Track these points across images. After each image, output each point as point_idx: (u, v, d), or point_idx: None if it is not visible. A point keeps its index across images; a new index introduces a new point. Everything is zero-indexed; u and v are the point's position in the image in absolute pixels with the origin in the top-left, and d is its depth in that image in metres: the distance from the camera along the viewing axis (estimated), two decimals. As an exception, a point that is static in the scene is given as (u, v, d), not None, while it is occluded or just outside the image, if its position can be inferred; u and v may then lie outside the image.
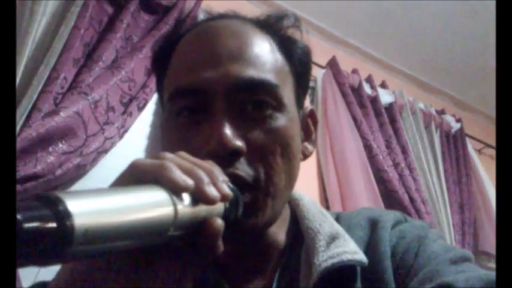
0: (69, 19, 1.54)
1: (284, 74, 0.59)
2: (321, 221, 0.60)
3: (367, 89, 2.39)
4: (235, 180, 0.49)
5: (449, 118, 2.74)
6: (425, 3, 2.40)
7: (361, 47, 2.65)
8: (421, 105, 2.62)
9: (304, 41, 0.65)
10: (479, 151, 2.94)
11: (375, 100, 2.39)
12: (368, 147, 2.19)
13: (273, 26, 0.63)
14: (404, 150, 2.35)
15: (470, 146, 2.80)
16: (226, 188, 0.41)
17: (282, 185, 0.56)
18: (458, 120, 2.79)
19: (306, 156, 0.65)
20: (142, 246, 0.35)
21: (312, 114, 0.68)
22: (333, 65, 2.31)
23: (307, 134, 0.67)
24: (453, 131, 2.73)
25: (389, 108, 2.46)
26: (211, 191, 0.39)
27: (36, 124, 1.37)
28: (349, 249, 0.54)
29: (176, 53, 0.61)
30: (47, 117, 1.40)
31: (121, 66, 1.57)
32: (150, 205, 0.34)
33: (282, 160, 0.55)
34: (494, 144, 2.89)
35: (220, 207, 0.42)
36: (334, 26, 2.52)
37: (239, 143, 0.52)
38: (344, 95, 2.25)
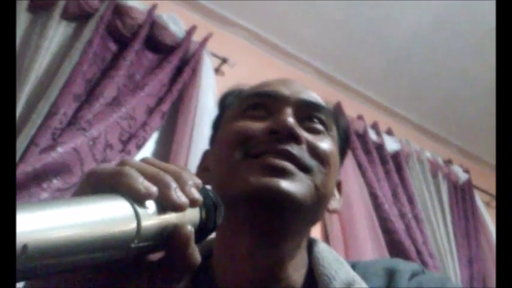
0: (72, 55, 1.54)
1: (333, 122, 0.67)
2: (337, 268, 0.60)
3: (372, 135, 2.36)
4: (286, 157, 0.56)
5: (456, 168, 2.69)
6: (433, 51, 2.41)
7: (367, 94, 2.64)
8: (428, 155, 2.58)
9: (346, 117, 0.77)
10: (487, 204, 2.86)
11: (380, 147, 2.35)
12: (373, 195, 2.13)
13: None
14: (410, 200, 2.29)
15: (478, 198, 2.73)
16: (196, 193, 0.38)
17: (327, 188, 0.60)
18: (465, 171, 2.74)
19: (328, 210, 0.67)
20: (106, 261, 0.32)
21: (339, 184, 0.72)
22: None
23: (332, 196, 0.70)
24: (461, 181, 2.67)
25: (396, 156, 2.42)
26: (178, 196, 0.36)
27: (33, 159, 1.34)
28: None
29: (250, 86, 0.70)
30: (44, 152, 1.37)
31: (122, 103, 1.55)
32: (106, 215, 0.31)
33: (332, 168, 0.61)
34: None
35: (194, 215, 0.39)
36: (340, 71, 2.52)
37: (299, 131, 0.59)
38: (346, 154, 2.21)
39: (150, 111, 1.61)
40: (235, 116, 0.65)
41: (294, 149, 0.57)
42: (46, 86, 1.49)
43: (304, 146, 0.59)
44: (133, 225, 0.32)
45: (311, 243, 0.65)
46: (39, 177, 1.33)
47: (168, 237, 0.36)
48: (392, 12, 2.25)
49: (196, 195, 0.38)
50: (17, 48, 1.50)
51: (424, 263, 2.09)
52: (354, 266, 0.64)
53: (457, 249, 2.36)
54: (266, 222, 0.56)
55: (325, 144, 0.62)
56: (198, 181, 0.40)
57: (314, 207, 0.58)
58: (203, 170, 0.68)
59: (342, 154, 0.71)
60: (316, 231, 2.03)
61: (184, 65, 1.79)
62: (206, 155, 0.71)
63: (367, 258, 1.90)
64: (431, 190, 2.44)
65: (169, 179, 0.37)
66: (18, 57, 1.49)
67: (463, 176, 2.69)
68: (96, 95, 1.53)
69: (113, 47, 1.69)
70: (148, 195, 0.34)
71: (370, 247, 1.99)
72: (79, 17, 1.66)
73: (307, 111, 0.64)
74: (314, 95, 0.67)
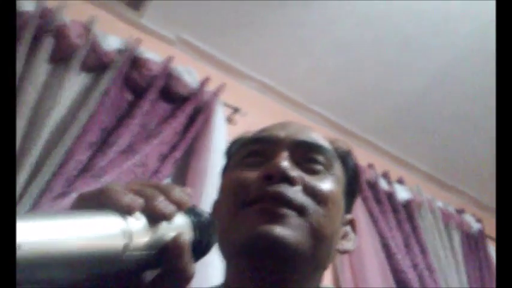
0: (89, 104, 1.59)
1: (337, 161, 0.67)
2: None
3: (383, 184, 2.36)
4: (280, 201, 0.56)
5: (469, 218, 2.66)
6: (443, 100, 2.44)
7: (378, 143, 2.66)
8: (440, 204, 2.56)
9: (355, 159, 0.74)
10: (502, 254, 2.81)
11: (391, 196, 2.35)
12: (386, 246, 2.11)
13: (330, 139, 0.71)
14: (423, 250, 2.26)
15: (492, 248, 2.68)
16: (184, 196, 0.39)
17: (327, 229, 0.58)
18: (478, 220, 2.70)
19: (339, 251, 0.66)
20: (102, 274, 0.33)
21: (352, 221, 0.72)
22: (348, 159, 2.30)
23: (345, 234, 0.69)
24: (473, 231, 2.64)
25: (407, 205, 2.40)
26: (165, 205, 0.37)
27: (47, 206, 1.37)
28: None
29: (251, 133, 0.71)
30: (57, 198, 1.39)
31: (135, 151, 1.58)
32: (96, 227, 0.32)
33: (330, 207, 0.60)
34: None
35: (187, 231, 0.39)
36: (351, 121, 2.55)
37: (294, 173, 0.59)
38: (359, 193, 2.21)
39: (163, 159, 1.64)
40: (235, 165, 0.66)
41: (287, 190, 0.57)
42: (62, 134, 1.53)
43: (299, 187, 0.59)
44: (122, 234, 0.33)
45: None
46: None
47: (163, 248, 0.37)
48: (401, 62, 2.29)
49: (184, 198, 0.39)
50: (36, 97, 1.55)
51: (438, 316, 2.04)
52: None
53: (472, 300, 2.30)
54: (266, 272, 0.56)
55: (323, 183, 0.61)
56: (187, 191, 0.41)
57: (313, 249, 0.57)
58: None
59: (352, 193, 0.70)
60: (327, 280, 2.00)
61: (197, 114, 1.83)
62: (215, 205, 0.71)
63: (379, 309, 1.87)
64: (443, 240, 2.41)
65: (153, 191, 0.38)
66: (37, 105, 1.54)
67: (475, 226, 2.66)
68: (110, 142, 1.57)
69: (129, 96, 1.74)
70: (134, 207, 0.35)
71: (383, 298, 1.95)
72: (97, 68, 1.71)
73: (304, 152, 0.64)
74: (313, 135, 0.67)
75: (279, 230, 0.54)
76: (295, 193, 0.58)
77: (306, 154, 0.64)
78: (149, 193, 0.37)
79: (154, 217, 0.37)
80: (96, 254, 0.31)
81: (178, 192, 0.39)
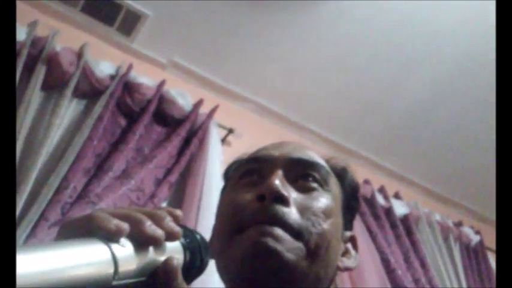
0: (83, 130, 1.59)
1: (333, 177, 0.66)
2: None
3: (380, 199, 2.35)
4: (274, 223, 0.55)
5: (467, 230, 2.65)
6: (438, 115, 2.45)
7: (373, 159, 2.66)
8: (438, 217, 2.55)
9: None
10: (503, 266, 2.79)
11: (389, 211, 2.34)
12: (385, 261, 2.10)
13: (326, 158, 0.70)
14: (423, 264, 2.25)
15: (492, 259, 2.67)
16: (174, 226, 0.38)
17: (323, 248, 0.57)
18: (477, 232, 2.69)
19: (340, 268, 0.65)
20: None
21: (353, 239, 0.71)
22: (344, 176, 2.30)
23: (345, 253, 0.68)
24: (473, 243, 2.63)
25: (405, 219, 2.39)
26: (152, 229, 0.36)
27: (43, 234, 1.36)
28: None
29: (248, 154, 0.71)
30: (53, 226, 1.38)
31: (131, 175, 1.58)
32: (81, 256, 0.31)
33: (325, 226, 0.59)
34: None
35: (177, 255, 0.39)
36: (346, 138, 2.55)
37: (286, 192, 0.58)
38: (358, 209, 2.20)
39: (159, 183, 1.64)
40: (231, 187, 0.66)
41: (281, 212, 0.56)
42: (57, 161, 1.52)
43: (293, 208, 0.58)
44: (109, 263, 0.33)
45: None
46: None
47: (153, 273, 0.36)
48: (396, 78, 2.31)
49: (176, 228, 0.38)
50: (30, 125, 1.55)
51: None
52: None
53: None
54: None
55: (318, 201, 0.61)
56: (178, 214, 0.40)
57: (310, 268, 0.56)
58: (210, 244, 0.67)
59: (350, 209, 0.69)
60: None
61: (191, 136, 1.83)
62: (213, 230, 0.68)
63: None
64: (443, 253, 2.40)
65: (141, 216, 0.37)
66: (31, 133, 1.54)
67: (474, 238, 2.64)
68: (105, 168, 1.57)
69: (123, 121, 1.74)
70: (120, 232, 0.35)
71: (385, 315, 1.93)
72: (90, 94, 1.72)
73: (299, 170, 0.63)
74: (308, 153, 0.66)
75: (273, 243, 0.54)
76: (289, 215, 0.56)
77: (301, 172, 0.63)
78: (137, 218, 0.37)
79: (143, 242, 0.36)
80: (85, 284, 0.31)
81: (168, 222, 0.38)
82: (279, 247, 0.54)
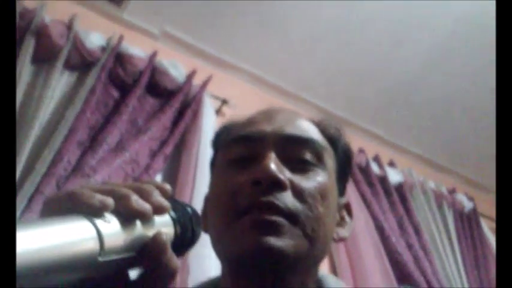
0: (76, 103, 1.57)
1: (327, 150, 0.65)
2: None
3: (375, 168, 2.37)
4: (272, 210, 0.54)
5: (461, 197, 2.68)
6: (432, 82, 2.44)
7: (368, 127, 2.66)
8: (432, 185, 2.58)
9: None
10: (494, 231, 2.84)
11: (383, 179, 2.36)
12: (380, 228, 2.12)
13: (318, 123, 0.69)
14: (417, 231, 2.28)
15: (484, 225, 2.71)
16: (163, 200, 0.38)
17: (320, 230, 0.57)
18: (470, 199, 2.72)
19: (335, 239, 0.65)
20: (81, 279, 0.32)
21: (347, 205, 0.70)
22: (338, 145, 2.31)
23: (340, 221, 0.68)
24: (466, 210, 2.66)
25: (399, 187, 2.42)
26: (139, 204, 0.36)
27: (38, 207, 1.36)
28: None
29: (237, 124, 0.69)
30: (49, 200, 1.38)
31: (125, 148, 1.57)
32: (65, 233, 0.31)
33: (321, 209, 0.58)
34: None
35: (167, 228, 0.38)
36: (340, 107, 2.55)
37: (283, 176, 0.56)
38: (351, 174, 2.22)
39: (153, 155, 1.63)
40: (223, 164, 0.64)
41: (278, 198, 0.55)
42: (50, 135, 1.51)
43: (289, 192, 0.56)
44: (94, 239, 0.32)
45: (320, 280, 0.64)
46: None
47: (142, 247, 0.36)
48: (389, 46, 2.29)
49: (164, 202, 0.38)
50: (21, 99, 1.53)
51: (435, 295, 2.07)
52: None
53: (467, 277, 2.33)
54: (266, 281, 0.55)
55: (314, 181, 0.59)
56: (166, 188, 0.40)
57: (309, 251, 0.56)
58: (204, 217, 0.65)
59: (344, 176, 0.68)
60: (323, 266, 2.02)
61: (185, 108, 1.82)
62: (206, 201, 0.68)
63: (376, 292, 1.88)
64: (437, 220, 2.43)
65: (126, 191, 0.36)
66: (23, 107, 1.52)
67: (468, 205, 2.68)
68: (99, 141, 1.56)
69: (115, 93, 1.73)
70: (104, 207, 0.34)
71: (379, 280, 1.96)
72: (81, 66, 1.70)
73: (292, 149, 0.61)
74: (300, 125, 0.65)
75: (274, 241, 0.53)
76: (285, 200, 0.55)
77: (294, 151, 0.61)
78: (122, 193, 0.36)
79: (129, 217, 0.35)
80: (71, 262, 0.31)
81: (156, 195, 0.38)
82: (279, 235, 0.54)
